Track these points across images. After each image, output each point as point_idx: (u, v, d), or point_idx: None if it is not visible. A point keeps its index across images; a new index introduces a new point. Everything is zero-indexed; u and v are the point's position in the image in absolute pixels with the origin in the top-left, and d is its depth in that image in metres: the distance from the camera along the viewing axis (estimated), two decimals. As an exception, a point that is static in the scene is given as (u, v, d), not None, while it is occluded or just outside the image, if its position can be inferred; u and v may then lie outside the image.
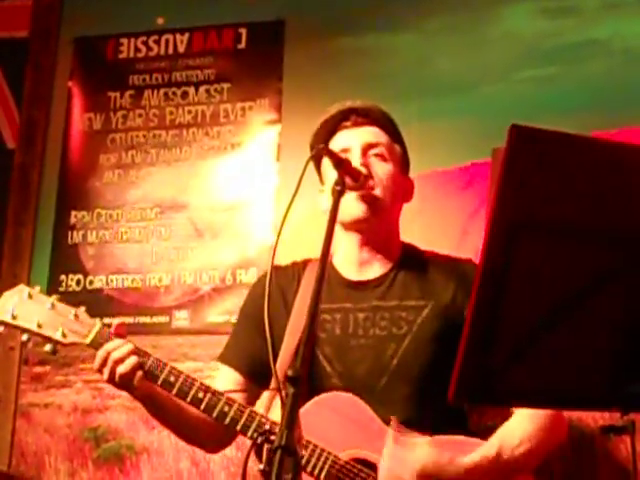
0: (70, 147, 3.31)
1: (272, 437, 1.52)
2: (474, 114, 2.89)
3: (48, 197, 3.27)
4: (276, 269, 2.23)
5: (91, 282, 3.14)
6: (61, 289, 3.13)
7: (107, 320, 2.99)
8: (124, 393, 2.11)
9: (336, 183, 1.86)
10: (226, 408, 2.02)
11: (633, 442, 1.66)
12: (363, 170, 2.08)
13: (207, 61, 3.26)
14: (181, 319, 3.04)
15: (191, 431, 2.17)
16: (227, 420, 2.01)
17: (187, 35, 3.30)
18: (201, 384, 2.04)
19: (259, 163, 3.11)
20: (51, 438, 3.02)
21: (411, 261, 2.21)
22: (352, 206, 2.10)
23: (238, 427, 2.00)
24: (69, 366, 3.02)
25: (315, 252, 1.73)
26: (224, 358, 2.26)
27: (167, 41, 3.31)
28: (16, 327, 2.09)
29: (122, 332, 2.09)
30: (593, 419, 2.44)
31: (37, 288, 2.15)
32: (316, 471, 1.95)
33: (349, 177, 1.95)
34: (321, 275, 1.65)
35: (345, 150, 2.15)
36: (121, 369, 2.01)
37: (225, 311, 3.00)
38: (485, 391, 1.27)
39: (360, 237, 2.18)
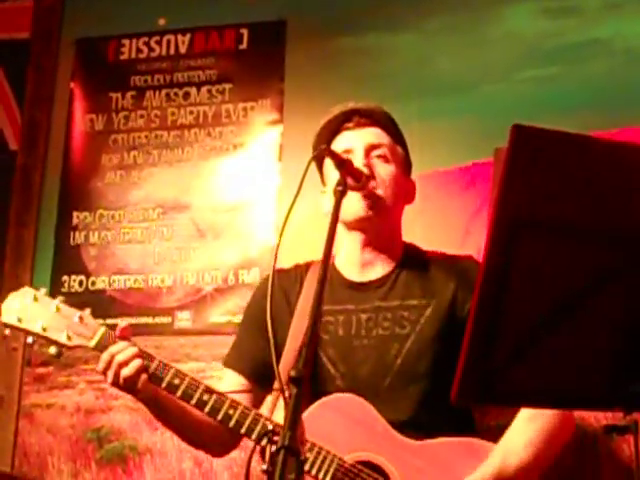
0: (72, 148, 3.31)
1: (275, 438, 1.53)
2: (475, 114, 2.89)
3: (50, 198, 3.28)
4: (279, 272, 2.24)
5: (93, 283, 3.14)
6: (63, 290, 3.13)
7: (109, 321, 3.00)
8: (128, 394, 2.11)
9: (338, 184, 1.87)
10: (231, 411, 2.01)
11: (636, 442, 1.66)
12: (365, 171, 2.08)
13: (209, 62, 3.26)
14: (183, 320, 3.04)
15: (196, 435, 2.17)
16: (232, 423, 2.01)
17: (188, 36, 3.30)
18: (206, 387, 2.04)
19: (261, 163, 3.11)
20: (54, 439, 3.02)
21: (412, 261, 2.21)
22: (355, 205, 2.11)
23: (243, 430, 2.00)
24: (72, 367, 3.03)
25: (317, 253, 1.73)
26: (228, 362, 2.26)
27: (169, 42, 3.32)
28: (21, 330, 2.09)
29: (127, 335, 2.09)
30: (596, 419, 2.44)
31: (42, 291, 2.15)
32: (321, 474, 1.95)
33: (351, 178, 1.95)
34: (323, 276, 1.65)
35: (347, 151, 2.15)
36: (125, 372, 2.01)
37: (227, 311, 3.00)
38: (487, 391, 1.27)
39: (363, 237, 2.18)
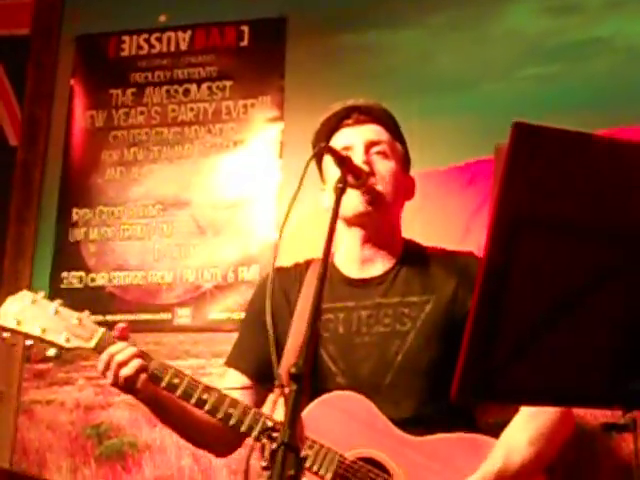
0: (72, 144, 3.31)
1: (275, 434, 1.53)
2: (476, 112, 2.89)
3: (50, 194, 3.28)
4: (279, 270, 2.24)
5: (93, 279, 3.14)
6: (63, 286, 3.13)
7: (109, 317, 3.03)
8: (127, 393, 2.11)
9: (338, 181, 1.87)
10: (231, 409, 2.02)
11: (635, 440, 1.66)
12: (365, 168, 2.08)
13: (209, 58, 3.26)
14: (183, 316, 3.04)
15: (198, 434, 2.17)
16: (232, 421, 2.01)
17: (189, 32, 3.30)
18: (205, 386, 2.04)
19: (261, 160, 3.11)
20: (53, 435, 3.02)
21: (412, 257, 2.20)
22: (354, 200, 2.10)
23: (243, 428, 2.00)
24: (71, 363, 3.02)
25: (317, 250, 1.73)
26: (230, 361, 2.26)
27: (169, 38, 3.32)
28: (20, 333, 2.11)
29: (125, 335, 2.09)
30: (594, 417, 2.44)
31: (41, 293, 2.16)
32: (322, 471, 1.95)
33: (351, 175, 1.95)
34: (323, 273, 1.65)
35: (347, 148, 2.15)
36: (125, 372, 2.01)
37: (227, 308, 3.00)
38: (487, 389, 1.27)
39: (362, 234, 2.18)
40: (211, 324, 3.01)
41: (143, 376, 2.03)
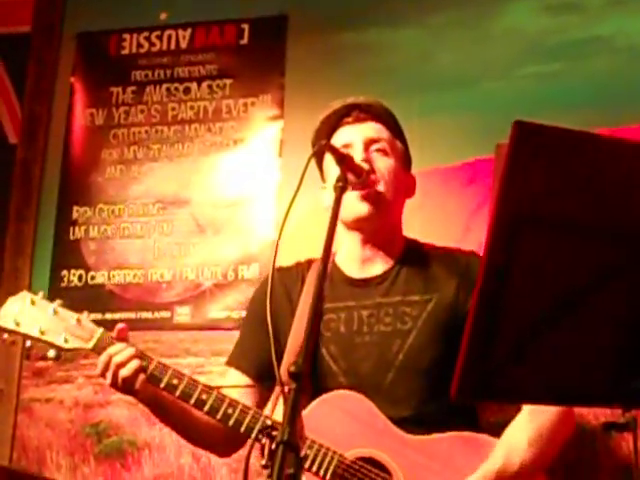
0: (72, 142, 3.31)
1: (274, 433, 1.53)
2: (476, 110, 2.89)
3: (50, 192, 3.27)
4: (280, 270, 2.24)
5: (93, 277, 3.14)
6: (63, 284, 3.13)
7: (108, 315, 3.03)
8: (127, 392, 2.10)
9: (338, 179, 1.86)
10: (230, 410, 2.01)
11: (635, 439, 1.66)
12: (365, 166, 2.07)
13: (209, 57, 3.25)
14: (183, 315, 3.04)
15: (199, 435, 2.17)
16: (231, 421, 2.01)
17: (189, 31, 3.29)
18: (205, 386, 2.04)
19: (261, 159, 3.11)
20: (52, 433, 3.02)
21: (414, 256, 2.20)
22: (355, 205, 2.10)
23: (242, 428, 2.00)
24: (71, 361, 3.02)
25: (317, 249, 1.72)
26: (232, 361, 2.26)
27: (169, 37, 3.31)
28: (19, 334, 2.12)
29: (124, 336, 2.09)
30: (594, 416, 2.44)
31: (40, 294, 2.16)
32: (321, 471, 1.95)
33: (351, 173, 1.94)
34: (323, 272, 1.65)
35: (347, 145, 2.15)
36: (123, 373, 2.02)
37: (226, 307, 3.00)
38: (488, 388, 1.27)
39: (362, 237, 2.18)
40: (211, 322, 3.00)
41: (142, 377, 2.03)
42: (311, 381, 2.05)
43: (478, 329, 1.24)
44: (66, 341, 2.09)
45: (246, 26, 3.23)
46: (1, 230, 3.25)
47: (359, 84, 2.89)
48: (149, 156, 3.22)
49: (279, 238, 1.72)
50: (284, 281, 2.22)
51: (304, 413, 1.95)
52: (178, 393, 2.04)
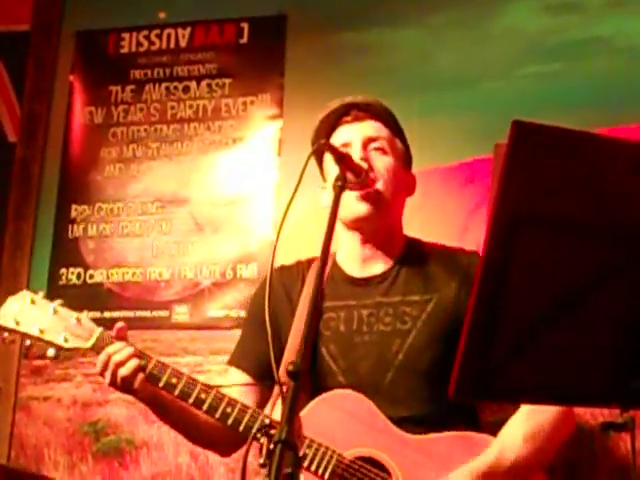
0: (71, 141, 3.31)
1: (272, 432, 1.53)
2: (476, 110, 2.89)
3: (49, 191, 3.27)
4: (281, 269, 2.24)
5: (91, 276, 3.14)
6: (61, 283, 3.13)
7: (107, 314, 3.03)
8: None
9: (337, 179, 1.86)
10: (229, 409, 2.01)
11: (633, 439, 1.66)
12: (364, 165, 2.07)
13: (209, 56, 3.25)
14: (181, 313, 3.04)
15: (200, 433, 2.17)
16: (230, 420, 2.01)
17: (189, 29, 3.29)
18: (203, 385, 2.04)
19: (260, 158, 3.11)
20: (50, 431, 3.02)
21: (415, 256, 2.19)
22: (353, 205, 2.10)
23: (241, 427, 2.00)
24: (69, 360, 3.02)
25: (316, 248, 1.73)
26: (233, 361, 2.26)
27: (169, 35, 3.31)
28: (19, 333, 2.12)
29: (123, 335, 2.10)
30: (592, 416, 2.44)
31: (40, 294, 2.17)
32: (320, 470, 1.94)
33: (350, 172, 1.94)
34: (321, 272, 1.65)
35: (346, 145, 2.14)
36: (122, 372, 2.02)
37: (225, 306, 3.00)
38: (486, 387, 1.27)
39: (362, 236, 2.18)
40: (209, 321, 3.00)
41: (140, 376, 2.03)
42: (310, 380, 2.05)
43: (476, 328, 1.24)
44: (66, 340, 2.09)
45: (245, 25, 3.23)
46: (0, 228, 3.25)
47: (358, 84, 2.89)
48: (148, 155, 3.22)
49: (278, 237, 1.72)
50: (284, 280, 2.22)
51: (303, 412, 1.95)
52: (177, 392, 2.04)
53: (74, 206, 3.22)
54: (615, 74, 2.79)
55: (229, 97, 3.19)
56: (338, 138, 2.18)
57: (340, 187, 1.84)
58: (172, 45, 3.30)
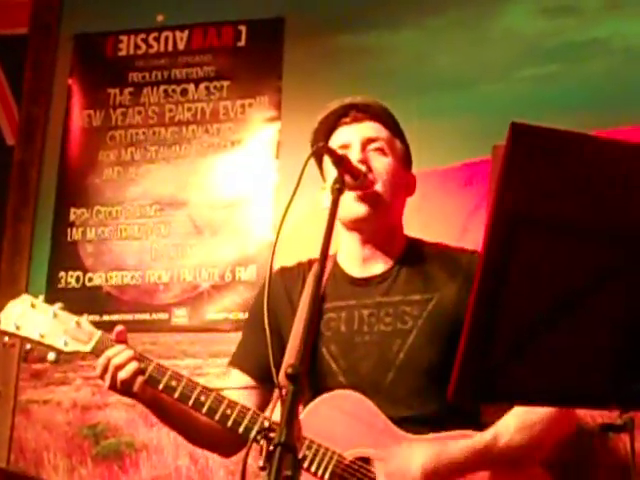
0: (69, 144, 3.31)
1: (272, 434, 1.53)
2: (474, 112, 2.89)
3: (47, 194, 3.27)
4: (282, 270, 2.25)
5: (90, 279, 3.14)
6: (60, 286, 3.13)
7: (106, 317, 3.03)
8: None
9: (335, 181, 1.86)
10: (228, 411, 2.02)
11: (632, 440, 1.66)
12: (362, 168, 2.07)
13: (207, 58, 3.26)
14: (180, 316, 3.04)
15: (200, 435, 2.17)
16: (230, 422, 2.01)
17: (187, 32, 3.30)
18: (203, 387, 2.04)
19: (259, 160, 3.11)
20: (50, 435, 3.02)
21: (415, 255, 2.19)
22: (352, 206, 2.10)
23: (241, 429, 2.00)
24: (68, 363, 3.02)
25: (315, 250, 1.73)
26: (234, 362, 2.26)
27: (167, 38, 3.31)
28: (19, 337, 2.13)
29: (123, 338, 2.10)
30: (592, 417, 2.44)
31: (40, 298, 2.18)
32: (320, 471, 1.94)
33: (349, 175, 1.94)
34: (320, 274, 1.65)
35: (345, 146, 2.14)
36: (122, 375, 2.02)
37: (224, 308, 3.00)
38: (485, 389, 1.27)
39: (361, 237, 2.18)
40: (208, 324, 3.01)
41: (140, 379, 2.03)
42: (308, 381, 2.05)
43: (476, 328, 1.24)
44: (66, 344, 2.10)
45: (243, 28, 3.23)
46: (-2, 232, 3.25)
47: (357, 86, 2.89)
48: (146, 157, 3.22)
49: (276, 240, 1.72)
50: (285, 282, 2.22)
51: (303, 413, 1.95)
52: (176, 395, 2.04)
53: (72, 209, 3.22)
54: (612, 76, 2.79)
55: (227, 100, 3.20)
56: (337, 139, 2.19)
57: (338, 190, 1.84)
58: (170, 48, 3.31)
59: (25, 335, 2.11)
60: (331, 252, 1.90)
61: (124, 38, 3.34)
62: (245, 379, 2.21)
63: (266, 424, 1.94)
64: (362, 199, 2.10)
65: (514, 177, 1.21)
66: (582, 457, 2.48)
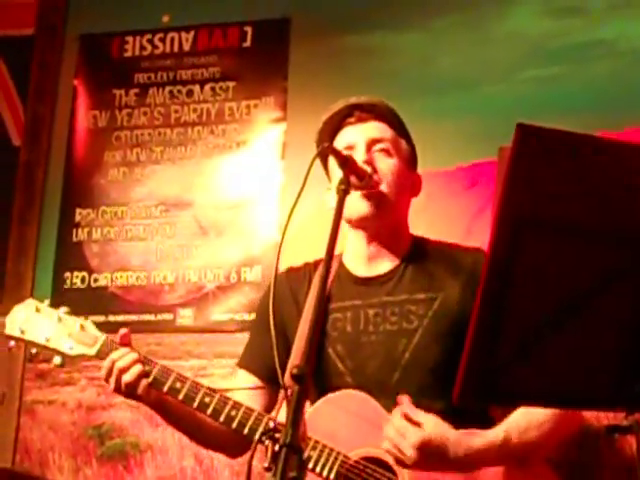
0: (75, 144, 3.31)
1: (277, 435, 1.53)
2: (478, 113, 2.89)
3: (53, 195, 3.28)
4: (288, 271, 2.25)
5: (96, 280, 3.14)
6: (66, 286, 3.13)
7: (111, 318, 3.03)
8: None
9: (341, 182, 1.86)
10: (233, 412, 2.02)
11: (638, 442, 1.66)
12: (368, 169, 2.07)
13: (212, 59, 3.26)
14: (185, 317, 3.04)
15: (206, 436, 2.17)
16: (234, 424, 2.01)
17: (192, 33, 3.30)
18: (208, 389, 2.05)
19: (264, 161, 3.11)
20: (55, 435, 3.02)
21: (420, 254, 2.19)
22: (357, 204, 2.10)
23: (246, 430, 2.00)
24: (73, 364, 3.02)
25: (321, 251, 1.73)
26: (241, 362, 2.26)
27: (172, 39, 3.32)
28: (25, 341, 2.15)
29: (127, 341, 2.11)
30: (597, 419, 2.44)
31: (46, 302, 2.19)
32: (325, 471, 1.94)
33: (354, 176, 1.94)
34: (325, 275, 1.65)
35: (350, 147, 2.14)
36: (126, 378, 2.03)
37: (229, 309, 3.00)
38: (490, 390, 1.27)
39: (367, 235, 2.18)
40: (213, 325, 3.01)
41: (144, 382, 2.04)
42: (315, 382, 2.05)
43: (481, 329, 1.24)
44: (71, 348, 2.12)
45: (249, 29, 3.23)
46: (4, 232, 3.25)
47: (362, 87, 2.88)
48: (152, 158, 3.23)
49: (282, 241, 1.72)
50: (291, 283, 2.22)
51: (309, 413, 1.95)
52: (181, 397, 2.04)
53: (78, 210, 3.23)
54: (617, 77, 2.79)
55: (233, 100, 3.20)
56: (342, 140, 2.18)
57: (344, 190, 1.84)
58: (176, 49, 3.31)
59: (30, 339, 2.13)
60: (336, 253, 1.90)
61: (130, 39, 3.35)
62: (252, 380, 2.21)
63: (271, 425, 1.94)
64: (367, 197, 2.10)
65: (520, 179, 1.21)
66: (588, 458, 2.48)
